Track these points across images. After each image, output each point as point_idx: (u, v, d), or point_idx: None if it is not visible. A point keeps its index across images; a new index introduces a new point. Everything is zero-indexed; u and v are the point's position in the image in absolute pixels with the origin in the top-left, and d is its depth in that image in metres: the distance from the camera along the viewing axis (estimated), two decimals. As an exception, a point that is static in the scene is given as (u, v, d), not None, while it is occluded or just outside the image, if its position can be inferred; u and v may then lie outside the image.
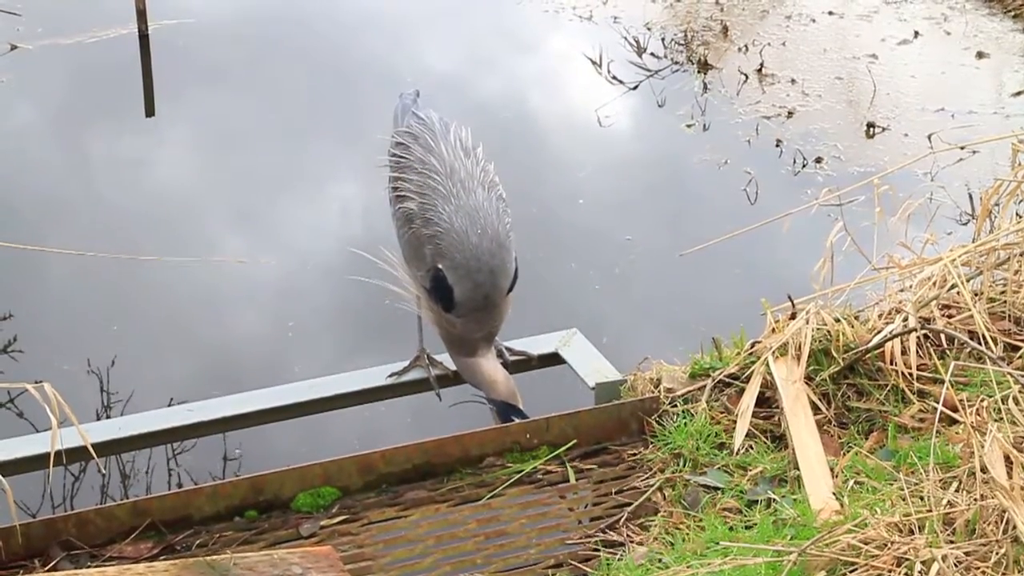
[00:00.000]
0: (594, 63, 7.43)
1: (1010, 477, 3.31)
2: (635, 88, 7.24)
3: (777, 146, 6.63)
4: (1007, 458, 3.37)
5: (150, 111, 7.14)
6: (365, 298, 5.29)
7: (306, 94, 7.19)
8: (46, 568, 3.73)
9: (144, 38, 7.53)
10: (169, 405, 4.65)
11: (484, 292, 4.24)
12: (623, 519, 3.86)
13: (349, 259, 5.67)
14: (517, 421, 4.21)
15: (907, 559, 3.20)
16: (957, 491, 3.42)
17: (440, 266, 4.24)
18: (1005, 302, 4.35)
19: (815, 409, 4.08)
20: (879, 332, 4.19)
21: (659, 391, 4.25)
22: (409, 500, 3.98)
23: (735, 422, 4.08)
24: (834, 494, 3.72)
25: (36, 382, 3.64)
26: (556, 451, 4.14)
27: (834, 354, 4.16)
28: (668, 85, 7.23)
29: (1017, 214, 4.78)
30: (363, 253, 4.50)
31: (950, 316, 4.34)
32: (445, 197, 4.26)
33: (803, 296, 4.32)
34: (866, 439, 4.01)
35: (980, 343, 4.05)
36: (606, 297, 5.60)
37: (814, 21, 7.92)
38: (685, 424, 4.11)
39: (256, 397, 4.47)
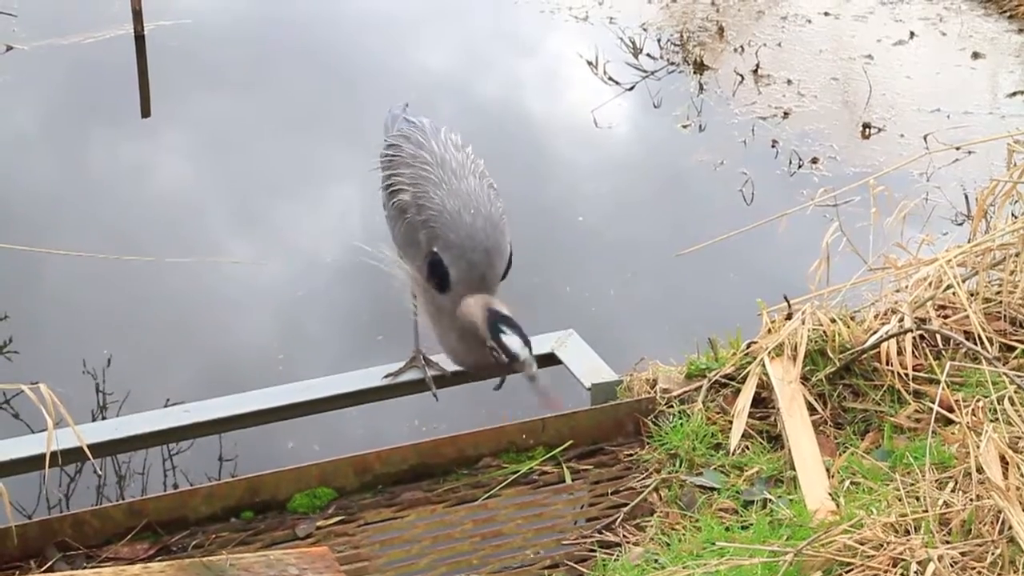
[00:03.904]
0: (590, 64, 7.43)
1: (1006, 477, 3.31)
2: (631, 89, 7.24)
3: (773, 147, 6.63)
4: (1003, 458, 3.37)
5: (146, 112, 7.14)
6: (365, 300, 5.30)
7: (303, 95, 7.19)
8: (42, 569, 3.72)
9: (140, 39, 7.53)
10: (166, 406, 4.64)
11: (480, 272, 4.21)
12: (619, 519, 3.86)
13: (348, 261, 5.68)
14: (509, 335, 4.10)
15: (903, 559, 3.20)
16: (953, 491, 3.42)
17: (435, 249, 4.24)
18: (1001, 302, 4.35)
19: (811, 409, 4.08)
20: (875, 332, 4.19)
21: (655, 391, 4.25)
22: (405, 501, 3.98)
23: (731, 422, 4.08)
24: (830, 494, 3.72)
25: (32, 383, 3.64)
26: (552, 452, 4.14)
27: (830, 354, 4.17)
28: (664, 86, 7.23)
29: (1012, 214, 4.78)
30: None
31: (946, 316, 4.35)
32: (436, 184, 4.29)
33: (799, 296, 4.32)
34: (862, 439, 4.02)
35: (976, 343, 4.05)
36: (602, 297, 5.60)
37: (810, 22, 7.92)
38: (681, 424, 4.11)
39: (252, 398, 4.46)
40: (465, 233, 4.21)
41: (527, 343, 4.11)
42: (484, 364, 4.26)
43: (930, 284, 4.33)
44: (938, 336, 4.25)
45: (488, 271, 4.23)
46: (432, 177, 4.30)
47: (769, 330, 4.29)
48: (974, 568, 3.19)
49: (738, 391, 4.17)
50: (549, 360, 4.64)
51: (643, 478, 4.01)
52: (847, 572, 3.24)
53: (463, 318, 4.20)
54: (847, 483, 3.75)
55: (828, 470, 3.84)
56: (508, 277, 4.36)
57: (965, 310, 4.19)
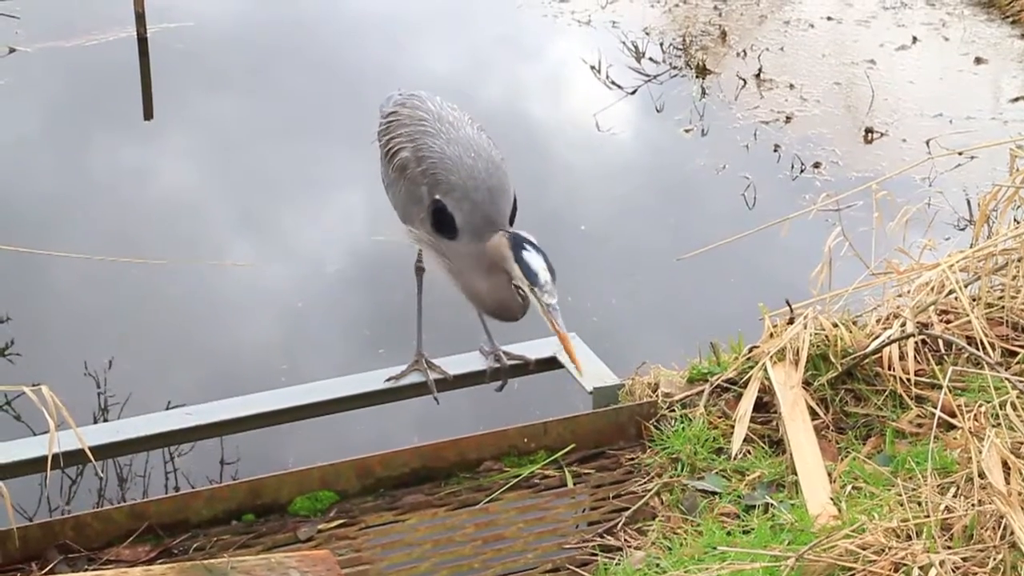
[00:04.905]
0: (592, 68, 7.43)
1: (1008, 483, 3.31)
2: (633, 93, 7.25)
3: (775, 151, 6.64)
4: (1005, 464, 3.37)
5: (148, 114, 7.15)
6: (368, 311, 5.31)
7: (306, 98, 7.19)
8: (43, 571, 3.72)
9: (143, 41, 7.54)
10: (167, 408, 4.64)
11: (484, 212, 4.16)
12: (621, 524, 3.86)
13: (351, 268, 5.68)
14: (531, 252, 4.00)
15: (905, 564, 3.20)
16: (955, 496, 3.42)
17: (437, 196, 4.23)
18: (1003, 307, 4.35)
19: (813, 414, 4.08)
20: (877, 337, 4.19)
21: (657, 396, 4.25)
22: (407, 504, 3.98)
23: (733, 427, 4.08)
24: (832, 499, 3.72)
25: (34, 385, 3.64)
26: (554, 455, 4.14)
27: (832, 359, 4.17)
28: (667, 90, 7.24)
29: (1015, 219, 4.78)
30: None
31: (948, 321, 4.34)
32: (435, 135, 4.29)
33: (801, 301, 4.32)
34: (864, 444, 4.02)
35: (978, 348, 4.05)
36: (604, 301, 5.60)
37: (813, 26, 7.93)
38: (683, 429, 4.11)
39: (254, 401, 4.46)
40: (466, 174, 4.18)
41: (551, 269, 4.01)
42: (509, 303, 4.15)
43: (932, 289, 4.33)
44: (940, 341, 4.25)
45: (493, 211, 4.17)
46: (430, 129, 4.30)
47: (771, 334, 4.28)
48: (976, 573, 3.19)
49: (740, 395, 4.17)
50: (551, 364, 4.64)
51: (645, 482, 4.01)
52: (848, 577, 3.24)
53: (492, 252, 4.10)
54: (849, 488, 3.75)
55: (830, 475, 3.84)
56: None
57: (967, 315, 4.19)
